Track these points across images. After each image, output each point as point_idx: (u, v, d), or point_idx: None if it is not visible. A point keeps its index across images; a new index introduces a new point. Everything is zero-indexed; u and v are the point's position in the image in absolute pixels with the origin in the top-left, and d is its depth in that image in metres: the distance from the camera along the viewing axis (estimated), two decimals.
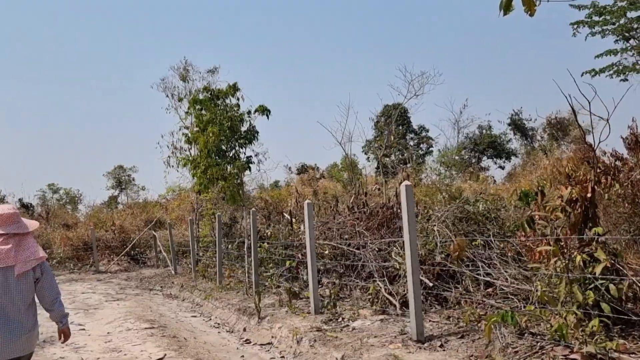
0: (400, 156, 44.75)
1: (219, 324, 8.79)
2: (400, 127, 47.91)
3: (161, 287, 14.57)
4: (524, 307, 6.22)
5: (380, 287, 7.72)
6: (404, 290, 7.39)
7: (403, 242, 7.74)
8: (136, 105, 79.38)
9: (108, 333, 7.77)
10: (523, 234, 6.68)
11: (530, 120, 46.66)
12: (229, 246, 14.01)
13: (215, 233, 14.02)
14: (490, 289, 6.93)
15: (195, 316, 9.79)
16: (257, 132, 11.25)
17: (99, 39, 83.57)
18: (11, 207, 3.45)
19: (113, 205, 45.64)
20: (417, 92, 16.18)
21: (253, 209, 10.57)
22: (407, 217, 5.57)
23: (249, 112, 11.18)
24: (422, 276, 7.45)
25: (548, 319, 4.71)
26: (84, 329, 8.20)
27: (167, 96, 16.60)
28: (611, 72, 21.35)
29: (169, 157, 15.29)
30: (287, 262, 9.62)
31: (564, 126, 42.66)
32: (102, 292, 13.40)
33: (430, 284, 7.17)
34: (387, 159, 48.88)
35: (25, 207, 36.99)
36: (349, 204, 10.21)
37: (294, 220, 12.43)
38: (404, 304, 7.26)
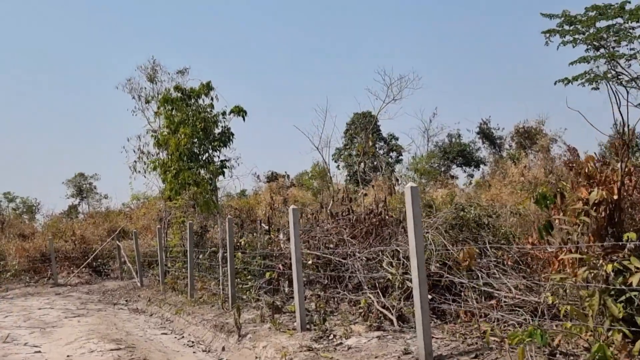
0: (370, 164, 44.60)
1: (193, 342, 8.00)
2: (371, 135, 47.76)
3: (126, 300, 13.60)
4: (532, 321, 5.74)
5: (372, 300, 7.12)
6: (399, 303, 6.81)
7: (404, 250, 7.19)
8: (99, 109, 76.88)
9: (68, 356, 6.87)
10: (530, 241, 6.21)
11: (499, 129, 47.31)
12: (200, 256, 13.17)
13: (185, 242, 13.18)
14: (493, 301, 6.40)
15: (165, 333, 8.95)
16: (232, 135, 10.52)
17: (59, 37, 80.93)
18: None
19: (73, 214, 43.78)
20: (395, 96, 15.74)
21: (229, 216, 9.81)
22: (414, 223, 4.98)
23: (223, 113, 10.45)
24: None
25: (578, 337, 4.18)
26: (39, 352, 7.27)
27: (134, 98, 15.73)
28: (583, 80, 21.48)
29: (135, 162, 14.34)
30: (267, 274, 8.91)
31: (532, 135, 43.29)
32: (61, 307, 12.34)
33: (429, 297, 6.58)
34: (357, 167, 48.65)
35: None
36: (332, 211, 9.59)
37: (270, 228, 11.73)
38: (400, 318, 6.68)
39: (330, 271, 8.60)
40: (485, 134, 46.57)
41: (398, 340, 5.80)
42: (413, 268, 5.02)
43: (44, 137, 77.69)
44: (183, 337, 8.55)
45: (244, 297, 9.18)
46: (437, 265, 7.24)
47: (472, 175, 47.66)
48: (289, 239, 9.43)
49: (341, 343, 6.02)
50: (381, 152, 50.34)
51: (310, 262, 8.79)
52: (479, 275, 6.86)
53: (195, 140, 10.03)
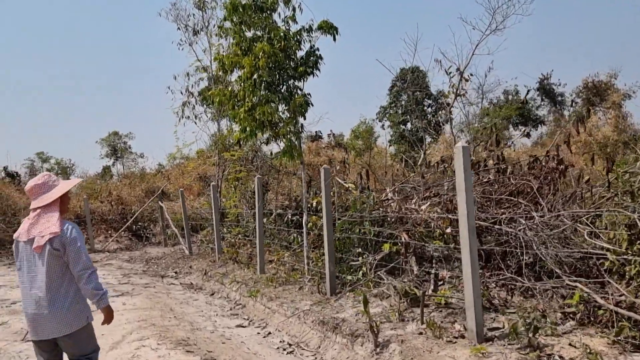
0: (418, 124, 41.44)
1: (291, 345, 5.51)
2: (418, 93, 44.69)
3: (176, 272, 11.30)
4: None
5: (587, 293, 4.45)
6: None
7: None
8: (135, 62, 74.59)
9: None
10: None
11: (560, 85, 43.31)
12: (264, 220, 10.69)
13: (255, 203, 10.70)
14: None
15: (243, 326, 6.51)
16: (321, 58, 7.81)
17: None
18: (37, 178, 3.21)
19: (107, 176, 42.17)
20: (498, 25, 12.66)
21: (325, 165, 7.19)
22: None
23: (308, 30, 7.70)
24: None
25: None
26: None
27: (179, 28, 13.10)
28: None
29: (183, 105, 11.84)
30: (385, 246, 6.30)
31: (601, 90, 39.34)
32: (101, 281, 10.06)
33: None
34: (403, 126, 45.64)
35: (11, 177, 33.67)
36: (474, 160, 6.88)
37: (348, 185, 9.10)
38: None
39: (482, 244, 5.94)
40: (546, 91, 42.68)
41: None
42: None
43: (78, 95, 76.45)
44: (269, 332, 6.08)
45: (349, 277, 6.61)
46: None
47: (528, 135, 44.19)
48: (425, 199, 6.80)
49: None
50: (429, 109, 46.96)
51: (448, 230, 6.13)
52: None
53: (273, 65, 7.33)
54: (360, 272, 6.39)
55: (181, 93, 11.90)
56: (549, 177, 5.76)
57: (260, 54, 7.00)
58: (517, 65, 59.85)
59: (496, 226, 5.68)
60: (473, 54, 13.20)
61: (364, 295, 4.99)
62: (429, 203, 6.18)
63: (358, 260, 6.52)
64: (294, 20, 7.77)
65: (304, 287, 7.18)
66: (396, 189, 7.40)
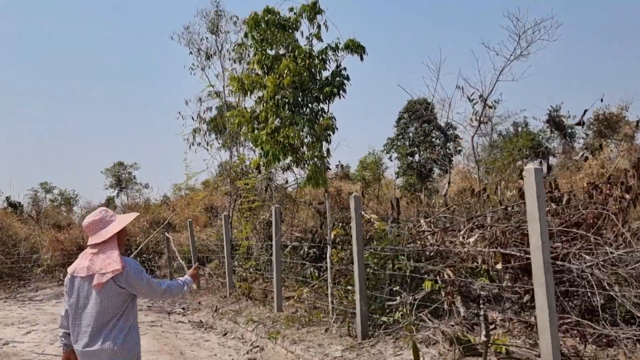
0: (429, 155, 40.92)
1: None
2: (425, 125, 44.49)
3: (183, 308, 10.50)
4: None
5: None
6: None
7: None
8: (140, 92, 74.98)
9: None
10: None
11: (569, 117, 42.92)
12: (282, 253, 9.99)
13: (267, 234, 10.05)
14: None
15: None
16: (347, 78, 7.27)
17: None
18: (94, 214, 3.22)
19: (111, 206, 41.61)
20: (523, 51, 12.12)
21: (354, 193, 6.53)
22: None
23: (334, 48, 7.18)
24: None
25: None
26: None
27: (191, 52, 12.64)
28: None
29: (194, 131, 11.29)
30: (427, 283, 5.58)
31: (612, 123, 38.97)
32: None
33: None
34: (411, 158, 45.14)
35: (14, 207, 33.09)
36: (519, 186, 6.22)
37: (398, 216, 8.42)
38: None
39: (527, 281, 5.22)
40: (556, 123, 42.24)
41: None
42: None
43: (82, 126, 76.57)
44: None
45: (383, 318, 5.86)
46: None
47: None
48: (472, 230, 6.12)
49: None
50: (437, 141, 46.54)
51: (498, 265, 5.43)
52: None
53: (297, 85, 6.76)
54: (398, 313, 5.65)
55: (192, 119, 11.34)
56: (617, 207, 5.11)
57: (286, 71, 6.43)
58: (525, 96, 59.64)
59: (558, 262, 4.97)
60: (497, 80, 12.71)
61: (413, 342, 4.26)
62: (476, 236, 5.52)
63: (393, 299, 5.79)
64: (319, 39, 7.24)
65: (331, 329, 6.43)
66: (432, 220, 6.72)
